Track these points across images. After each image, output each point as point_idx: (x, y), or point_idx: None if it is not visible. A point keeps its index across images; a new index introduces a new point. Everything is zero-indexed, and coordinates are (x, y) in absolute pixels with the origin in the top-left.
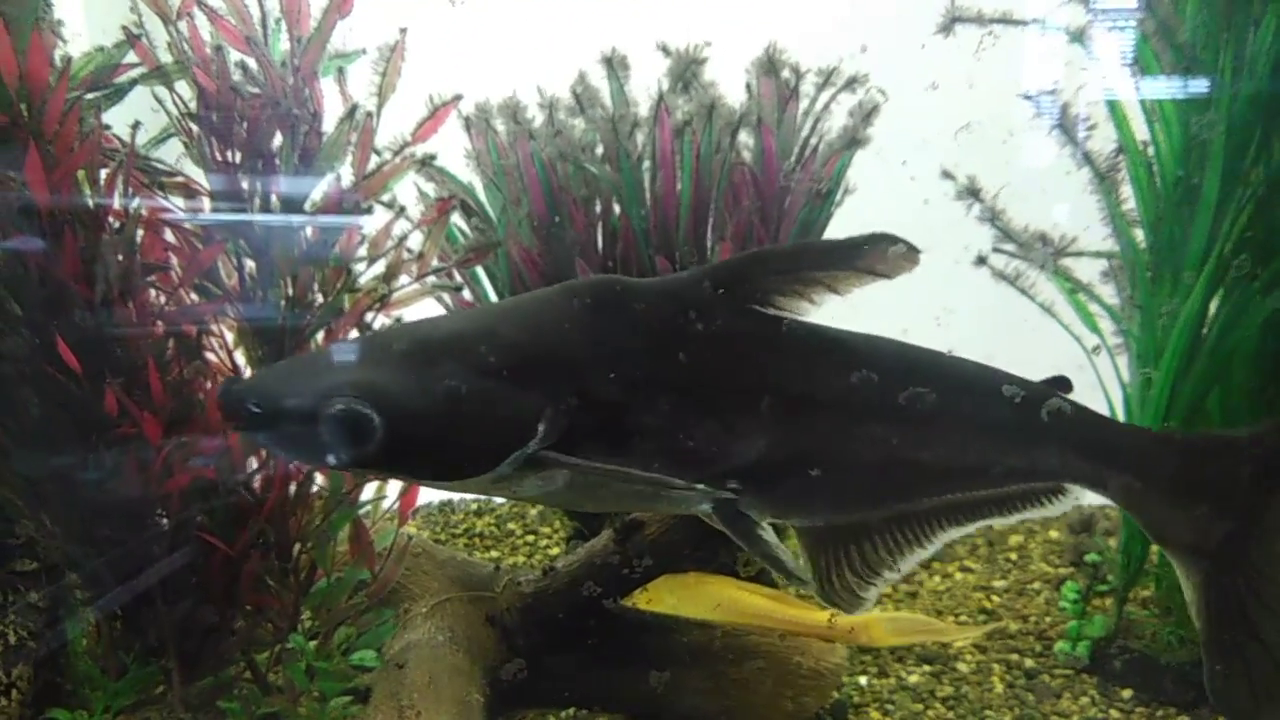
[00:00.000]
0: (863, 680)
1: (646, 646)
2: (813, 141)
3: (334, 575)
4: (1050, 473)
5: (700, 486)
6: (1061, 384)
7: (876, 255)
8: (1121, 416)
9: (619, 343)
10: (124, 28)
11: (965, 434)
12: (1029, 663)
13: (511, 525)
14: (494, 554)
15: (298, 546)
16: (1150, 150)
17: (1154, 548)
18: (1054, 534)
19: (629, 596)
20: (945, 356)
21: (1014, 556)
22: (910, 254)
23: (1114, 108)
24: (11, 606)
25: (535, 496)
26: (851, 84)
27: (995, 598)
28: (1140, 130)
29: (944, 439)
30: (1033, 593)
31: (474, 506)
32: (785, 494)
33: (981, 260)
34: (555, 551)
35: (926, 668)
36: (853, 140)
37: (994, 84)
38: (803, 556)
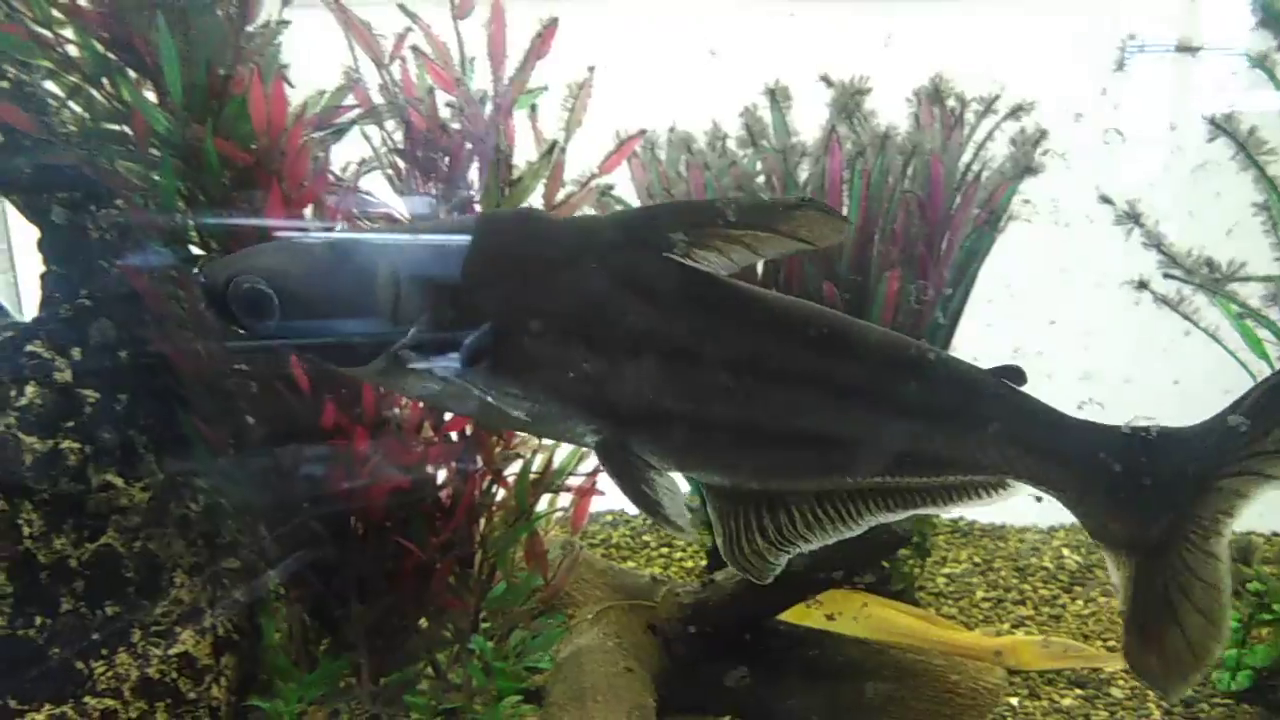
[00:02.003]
0: (1014, 701)
1: (801, 660)
2: (974, 168)
3: (511, 581)
4: (990, 466)
5: (572, 421)
6: (1013, 374)
7: (801, 220)
8: None
9: (519, 270)
10: (345, 71)
11: (893, 416)
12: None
13: (647, 537)
14: (629, 564)
15: (479, 553)
16: None
17: None
18: None
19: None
20: (880, 331)
21: None
22: (836, 223)
23: None
24: (219, 601)
25: (426, 399)
26: (1016, 112)
27: None
28: None
29: (867, 418)
30: None
31: (609, 518)
32: (679, 446)
33: (1143, 285)
34: (690, 565)
35: (1079, 691)
36: (1026, 170)
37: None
38: (711, 514)
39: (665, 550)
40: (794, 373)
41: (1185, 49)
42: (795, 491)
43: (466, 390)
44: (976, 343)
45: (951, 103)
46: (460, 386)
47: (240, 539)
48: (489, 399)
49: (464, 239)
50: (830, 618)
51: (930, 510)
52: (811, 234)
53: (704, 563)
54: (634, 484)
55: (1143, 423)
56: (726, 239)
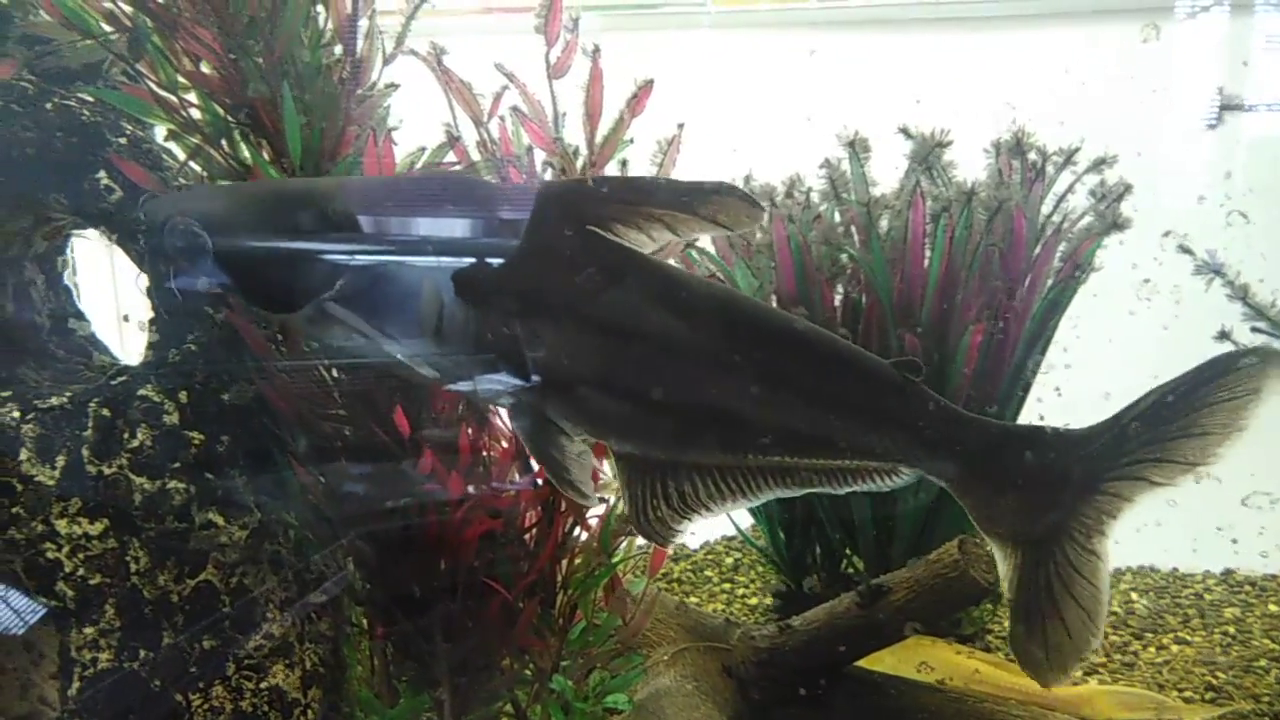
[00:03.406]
0: None
1: (878, 708)
2: (1055, 220)
3: (591, 621)
4: (883, 452)
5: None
6: (910, 367)
7: (719, 205)
8: None
9: (440, 227)
10: (445, 129)
11: (791, 398)
12: None
13: (709, 572)
14: (692, 599)
15: (561, 594)
16: None
17: None
18: (1273, 607)
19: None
20: (785, 316)
21: (1232, 630)
22: (753, 210)
23: None
24: (308, 635)
25: (349, 351)
26: (1099, 165)
27: (1220, 674)
28: None
29: (766, 399)
30: (1260, 670)
31: (670, 551)
32: (591, 413)
33: (1224, 335)
34: (754, 601)
35: None
36: (1113, 225)
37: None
38: (620, 481)
39: (727, 586)
40: (701, 351)
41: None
42: (700, 463)
43: (388, 345)
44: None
45: (1033, 156)
46: (381, 342)
47: (328, 574)
48: (409, 357)
49: (392, 196)
50: (896, 662)
51: (825, 490)
52: (729, 219)
53: (768, 600)
54: (544, 447)
55: (1038, 423)
56: (649, 217)
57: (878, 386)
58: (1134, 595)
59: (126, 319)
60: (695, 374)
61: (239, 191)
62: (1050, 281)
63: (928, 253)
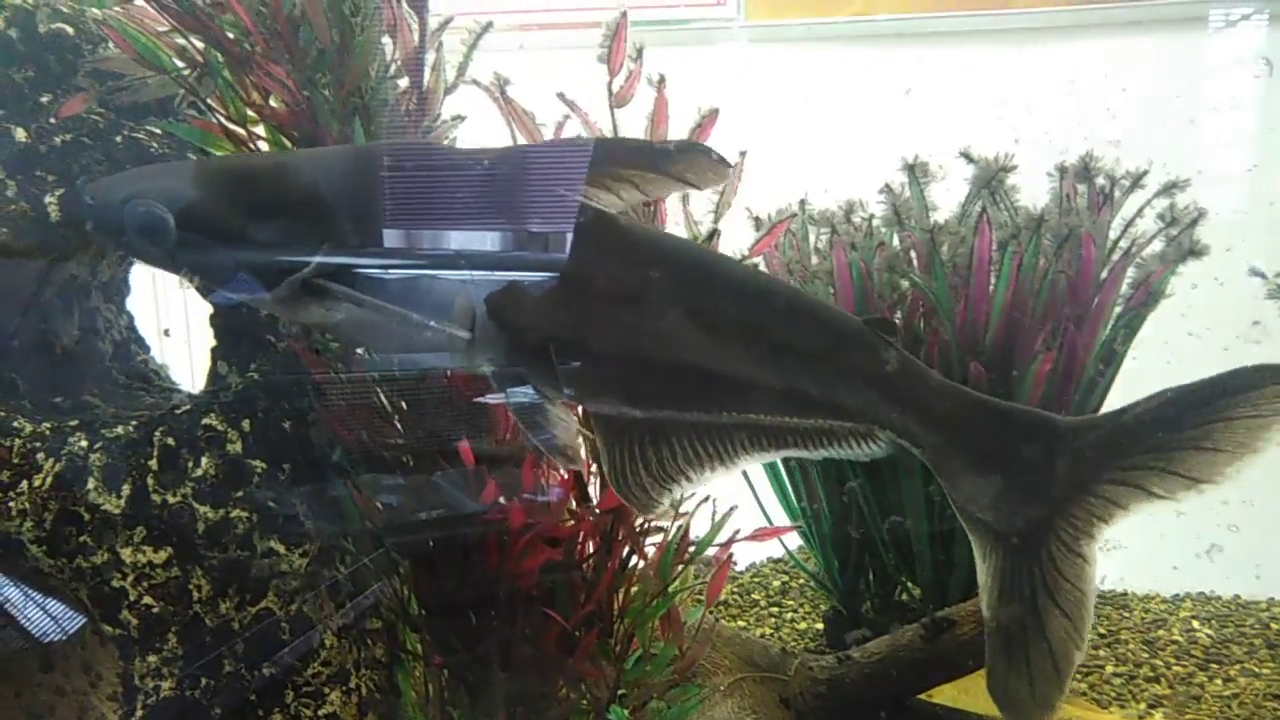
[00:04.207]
0: None
1: None
2: (1122, 245)
3: (648, 650)
4: (856, 412)
5: (454, 330)
6: (884, 325)
7: (687, 163)
8: None
9: (410, 199)
10: None
11: (764, 354)
12: None
13: (756, 595)
14: (740, 623)
15: (619, 623)
16: None
17: None
18: None
19: None
20: (755, 273)
21: None
22: (720, 167)
23: None
24: (363, 662)
25: (326, 328)
26: (1170, 189)
27: None
28: None
29: (740, 355)
30: None
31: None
32: (569, 375)
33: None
34: (803, 626)
35: None
36: (1190, 252)
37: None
38: (599, 446)
39: (775, 609)
40: (673, 308)
41: None
42: (677, 425)
43: (364, 319)
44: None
45: (1101, 180)
46: (359, 315)
47: (384, 600)
48: (390, 329)
49: (356, 166)
50: (956, 693)
51: (801, 453)
52: (696, 177)
53: (818, 625)
54: (529, 413)
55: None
56: (616, 178)
57: (848, 342)
58: (1195, 623)
59: (167, 334)
60: (667, 329)
61: (200, 167)
62: (1119, 309)
63: (993, 279)
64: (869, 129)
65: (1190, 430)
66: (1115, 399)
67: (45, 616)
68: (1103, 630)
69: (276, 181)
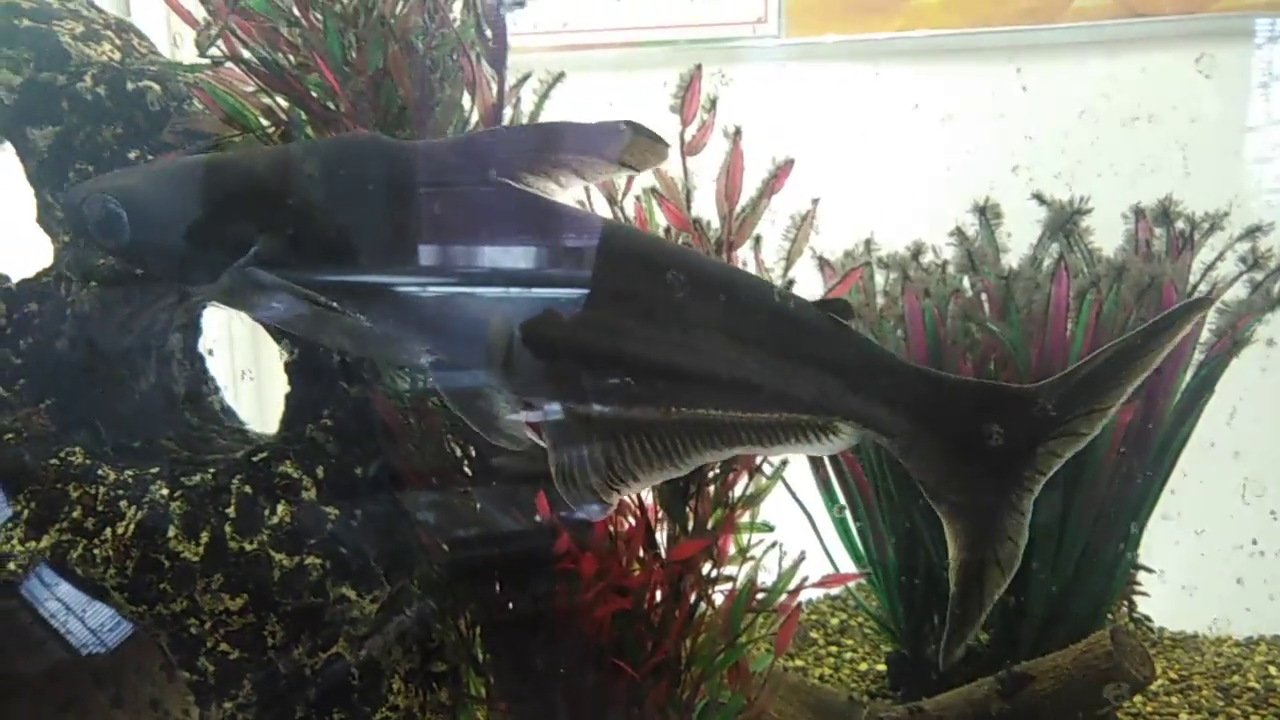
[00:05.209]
0: None
1: None
2: (1202, 288)
3: (716, 700)
4: (811, 402)
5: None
6: (839, 308)
7: (622, 144)
8: None
9: (354, 189)
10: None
11: (712, 341)
12: None
13: (814, 634)
14: (798, 663)
15: (686, 672)
16: None
17: None
18: None
19: None
20: (699, 255)
21: None
22: (657, 147)
23: None
24: (428, 705)
25: (278, 321)
26: (1252, 234)
27: None
28: None
29: (687, 343)
30: None
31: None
32: (513, 365)
33: None
34: (864, 666)
35: None
36: (1277, 303)
37: None
38: (547, 446)
39: (834, 649)
40: (615, 294)
41: None
42: (625, 423)
43: (304, 311)
44: None
45: (1180, 225)
46: (299, 306)
47: (449, 640)
48: (330, 321)
49: (305, 158)
50: None
51: (756, 450)
52: (634, 159)
53: (879, 666)
54: (469, 399)
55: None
56: (555, 164)
57: (801, 328)
58: (1272, 670)
59: (245, 376)
60: (609, 317)
61: (153, 167)
62: (1200, 356)
63: (1069, 326)
64: (915, 147)
65: (1124, 375)
66: (1193, 445)
67: (115, 653)
68: (1174, 675)
69: (220, 177)
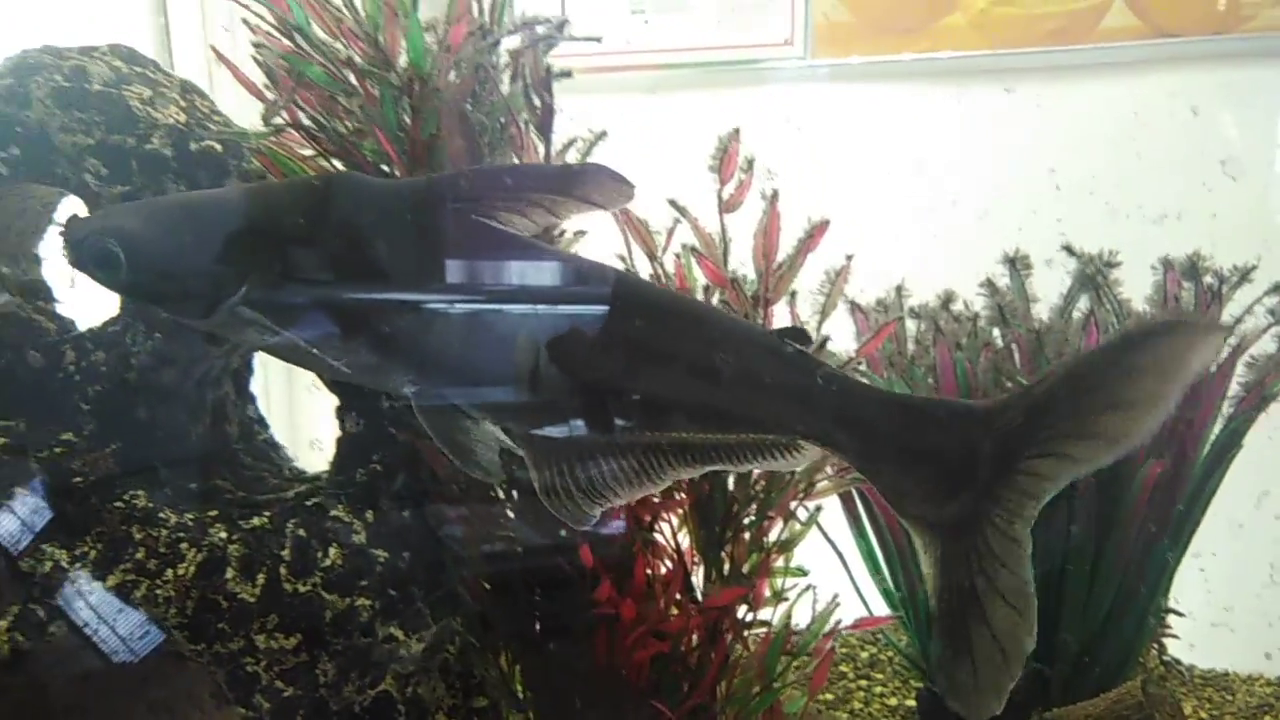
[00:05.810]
0: None
1: None
2: (1230, 341)
3: None
4: (773, 423)
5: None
6: (797, 335)
7: (592, 185)
8: None
9: (331, 227)
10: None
11: (675, 369)
12: None
13: (843, 667)
14: (827, 697)
15: (723, 715)
16: None
17: None
18: None
19: None
20: (661, 289)
21: None
22: (624, 188)
23: None
24: None
25: (269, 352)
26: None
27: None
28: None
29: (652, 371)
30: None
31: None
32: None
33: None
34: (893, 701)
35: None
36: None
37: None
38: (528, 463)
39: (863, 683)
40: (584, 326)
41: None
42: (603, 445)
43: (295, 343)
44: None
45: (1209, 279)
46: (290, 340)
47: (490, 675)
48: (315, 352)
49: (289, 198)
50: None
51: (727, 467)
52: (601, 198)
53: (909, 702)
54: (448, 432)
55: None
56: (528, 202)
57: (763, 355)
58: None
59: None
60: (579, 349)
61: (149, 205)
62: (1229, 409)
63: None
64: (938, 169)
65: (1102, 390)
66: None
67: (170, 683)
68: (1205, 715)
69: (212, 215)
